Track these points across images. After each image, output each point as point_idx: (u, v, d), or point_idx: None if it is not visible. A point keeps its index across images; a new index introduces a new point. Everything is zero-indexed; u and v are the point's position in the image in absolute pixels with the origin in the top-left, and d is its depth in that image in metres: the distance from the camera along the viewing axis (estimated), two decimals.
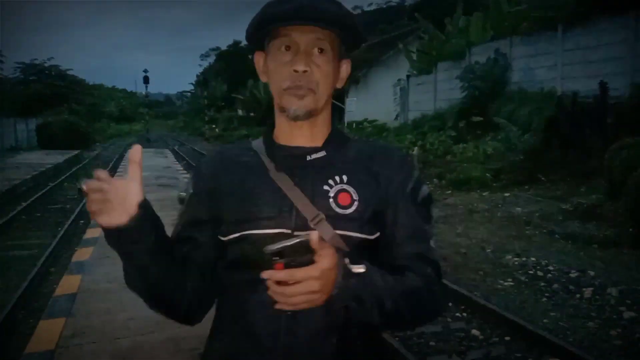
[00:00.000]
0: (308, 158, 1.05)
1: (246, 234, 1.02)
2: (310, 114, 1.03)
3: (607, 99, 10.15)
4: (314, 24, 0.99)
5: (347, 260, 0.92)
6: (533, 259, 6.02)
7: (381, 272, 0.97)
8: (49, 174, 16.62)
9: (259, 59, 1.10)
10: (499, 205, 8.88)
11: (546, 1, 13.75)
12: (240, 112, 37.90)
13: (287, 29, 1.00)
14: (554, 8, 13.39)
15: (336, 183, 1.03)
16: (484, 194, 9.99)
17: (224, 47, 55.78)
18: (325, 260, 0.85)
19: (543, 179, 9.86)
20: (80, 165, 20.55)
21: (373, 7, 51.40)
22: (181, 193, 1.19)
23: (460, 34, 18.57)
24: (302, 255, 0.85)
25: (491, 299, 4.93)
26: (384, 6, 50.06)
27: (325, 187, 1.03)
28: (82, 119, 32.42)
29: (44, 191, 12.76)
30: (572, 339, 4.10)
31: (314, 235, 0.85)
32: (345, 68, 1.10)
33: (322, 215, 0.98)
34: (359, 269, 0.93)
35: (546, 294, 5.07)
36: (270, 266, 0.85)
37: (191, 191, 1.11)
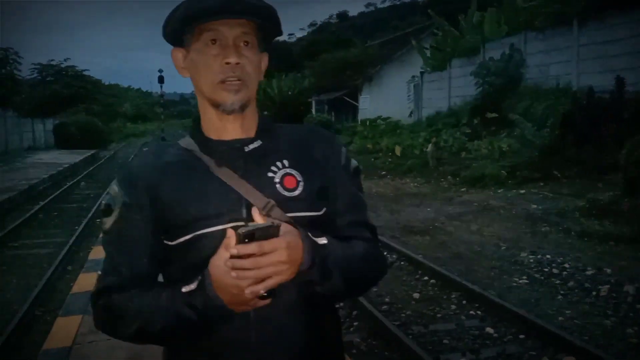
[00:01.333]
0: (246, 149, 1.06)
1: (199, 233, 1.00)
2: (244, 107, 1.04)
3: (624, 94, 10.02)
4: (245, 17, 1.00)
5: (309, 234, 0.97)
6: (548, 256, 5.97)
7: (337, 242, 1.02)
8: (66, 174, 16.83)
9: (177, 55, 1.09)
10: (514, 203, 8.81)
11: None
12: None
13: (214, 23, 1.00)
14: (569, 3, 13.23)
15: (279, 169, 1.06)
16: (498, 191, 9.92)
17: None
18: (289, 235, 0.91)
19: (559, 175, 9.76)
20: (97, 164, 20.78)
21: (386, 4, 51.36)
22: (107, 203, 1.10)
23: (474, 30, 18.43)
24: (270, 238, 0.88)
25: (506, 297, 4.90)
26: (397, 3, 49.98)
27: (270, 174, 1.05)
28: (98, 119, 32.71)
29: (61, 190, 12.95)
30: (588, 337, 4.06)
31: (281, 224, 0.90)
32: (265, 61, 1.11)
33: (273, 202, 1.00)
34: (322, 240, 0.98)
35: (561, 292, 5.03)
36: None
37: (128, 201, 1.05)
